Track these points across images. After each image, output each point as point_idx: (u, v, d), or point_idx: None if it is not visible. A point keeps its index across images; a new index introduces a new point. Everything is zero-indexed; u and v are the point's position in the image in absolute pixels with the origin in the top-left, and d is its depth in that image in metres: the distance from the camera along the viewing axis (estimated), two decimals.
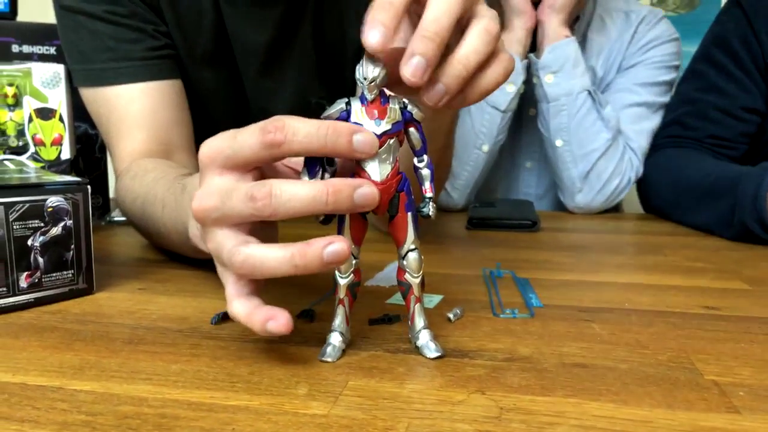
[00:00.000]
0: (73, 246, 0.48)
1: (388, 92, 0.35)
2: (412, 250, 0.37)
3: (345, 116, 0.36)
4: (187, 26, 0.73)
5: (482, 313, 0.46)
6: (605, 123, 0.96)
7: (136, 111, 0.67)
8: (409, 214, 0.36)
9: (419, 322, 0.37)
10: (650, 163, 0.99)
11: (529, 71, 1.01)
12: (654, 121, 1.01)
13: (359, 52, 0.80)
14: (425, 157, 0.37)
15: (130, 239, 0.72)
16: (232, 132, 0.34)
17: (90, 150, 0.89)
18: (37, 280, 0.46)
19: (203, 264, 0.58)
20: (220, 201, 0.34)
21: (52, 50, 0.83)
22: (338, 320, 0.38)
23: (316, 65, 0.82)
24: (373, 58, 0.34)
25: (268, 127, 0.32)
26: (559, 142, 0.98)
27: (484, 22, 0.36)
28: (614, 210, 1.04)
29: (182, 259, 0.61)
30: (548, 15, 0.96)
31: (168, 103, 0.69)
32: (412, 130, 0.36)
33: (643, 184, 1.00)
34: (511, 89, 0.98)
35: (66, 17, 0.69)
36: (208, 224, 0.35)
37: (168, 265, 0.60)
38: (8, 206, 0.44)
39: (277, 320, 0.33)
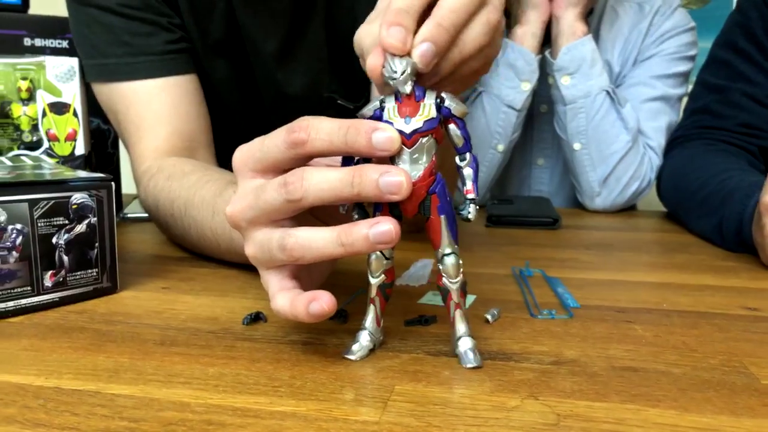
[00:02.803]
0: (97, 244, 0.47)
1: (426, 88, 0.34)
2: (448, 255, 0.35)
3: (378, 114, 0.35)
4: (200, 14, 0.71)
5: (519, 314, 0.45)
6: (624, 123, 0.94)
7: (157, 107, 0.65)
8: (443, 217, 0.34)
9: (459, 328, 0.36)
10: (665, 162, 0.97)
11: (543, 67, 0.99)
12: (671, 115, 0.99)
13: None
14: (468, 155, 0.35)
15: (146, 236, 0.71)
16: (262, 137, 0.35)
17: (102, 145, 0.88)
18: (61, 279, 0.45)
19: (225, 262, 0.57)
20: (254, 198, 0.34)
21: (65, 44, 0.82)
22: (368, 319, 0.37)
23: (327, 57, 0.81)
24: (395, 56, 0.33)
25: (294, 127, 0.32)
26: (577, 146, 0.96)
27: (487, 12, 0.35)
28: (630, 207, 1.02)
29: (203, 257, 0.59)
30: (564, 9, 0.94)
31: (188, 98, 0.68)
32: (452, 126, 0.34)
33: (657, 183, 0.99)
34: (526, 88, 0.97)
35: (78, 11, 0.68)
36: (244, 226, 0.35)
37: (189, 263, 0.59)
38: (33, 203, 0.43)
39: (319, 300, 0.32)
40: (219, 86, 0.77)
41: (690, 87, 1.01)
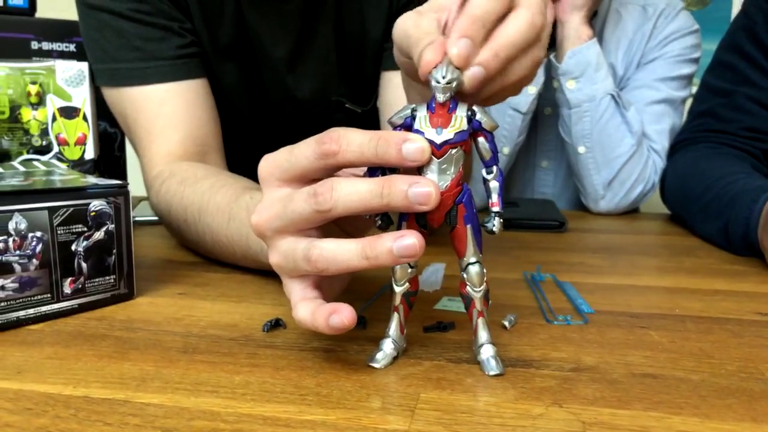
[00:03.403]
0: (115, 251, 0.47)
1: (459, 100, 0.34)
2: (473, 264, 0.35)
3: (409, 122, 0.35)
4: (210, 18, 0.72)
5: (534, 320, 0.45)
6: (629, 127, 0.94)
7: (169, 111, 0.66)
8: (469, 226, 0.35)
9: (482, 336, 0.36)
10: (669, 165, 0.98)
11: (548, 70, 1.00)
12: (675, 118, 1.00)
13: (379, 50, 0.80)
14: (495, 168, 0.35)
15: (156, 240, 0.71)
16: (289, 147, 0.35)
17: (109, 149, 0.88)
18: (80, 286, 0.45)
19: (239, 267, 0.57)
20: (282, 207, 0.34)
21: (72, 47, 0.82)
22: (392, 327, 0.37)
23: (336, 62, 0.81)
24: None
25: (324, 139, 0.33)
26: (582, 149, 0.96)
27: (531, 12, 0.35)
28: (633, 210, 1.03)
29: (216, 261, 0.60)
30: (569, 13, 0.95)
31: (200, 102, 0.68)
32: (481, 139, 0.35)
33: (661, 185, 1.00)
34: (532, 91, 0.97)
35: (89, 15, 0.68)
36: (270, 235, 0.35)
37: (203, 267, 0.59)
38: (52, 211, 0.43)
39: (339, 313, 0.33)
40: (228, 90, 0.77)
41: (693, 89, 1.02)
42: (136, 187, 0.83)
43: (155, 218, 0.80)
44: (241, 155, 0.79)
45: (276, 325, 0.43)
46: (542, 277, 0.57)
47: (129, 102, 0.67)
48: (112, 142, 0.88)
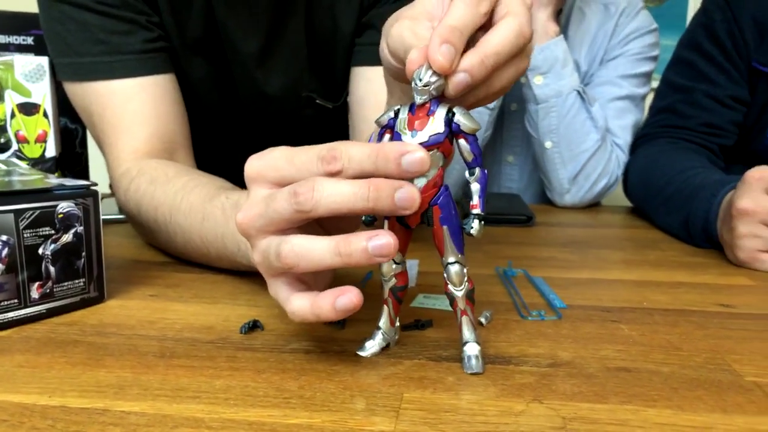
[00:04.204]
0: (84, 253, 0.46)
1: (442, 101, 0.35)
2: (451, 264, 0.36)
3: (391, 123, 0.35)
4: (179, 10, 0.70)
5: (509, 316, 0.46)
6: (594, 123, 0.97)
7: (136, 107, 0.64)
8: (445, 227, 0.35)
9: (465, 334, 0.37)
10: (631, 159, 1.00)
11: None
12: (636, 114, 1.03)
13: (350, 45, 0.80)
14: (477, 170, 0.35)
15: (123, 239, 0.69)
16: (285, 152, 0.34)
17: (71, 145, 0.85)
18: (48, 290, 0.44)
19: (210, 268, 0.56)
20: (264, 206, 0.34)
21: (30, 40, 0.79)
22: (382, 320, 0.38)
23: (307, 57, 0.81)
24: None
25: (327, 157, 0.33)
26: (548, 144, 0.98)
27: (519, 22, 0.35)
28: (596, 203, 1.06)
29: (186, 261, 0.59)
30: (536, 8, 0.96)
31: (167, 98, 0.67)
32: (462, 141, 0.35)
33: (624, 179, 1.02)
34: None
35: (51, 7, 0.65)
36: (253, 234, 0.35)
37: (173, 268, 0.58)
38: (18, 213, 0.42)
39: (347, 294, 0.33)
40: (197, 85, 0.75)
41: (653, 85, 1.05)
42: (99, 181, 0.81)
43: (120, 216, 0.79)
44: (210, 152, 0.78)
45: (253, 326, 0.42)
46: (514, 273, 0.58)
47: (94, 97, 0.65)
48: (73, 139, 0.85)
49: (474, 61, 0.33)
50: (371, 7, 0.78)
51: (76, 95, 0.68)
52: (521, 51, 0.35)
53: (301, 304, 0.34)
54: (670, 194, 0.80)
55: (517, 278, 0.57)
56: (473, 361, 0.36)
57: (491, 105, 0.99)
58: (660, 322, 0.45)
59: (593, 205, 1.03)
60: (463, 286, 0.36)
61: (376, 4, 0.77)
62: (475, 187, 0.35)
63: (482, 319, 0.44)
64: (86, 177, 0.87)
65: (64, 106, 0.74)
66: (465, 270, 0.36)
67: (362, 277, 0.54)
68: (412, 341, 0.40)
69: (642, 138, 0.99)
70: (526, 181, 1.13)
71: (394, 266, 0.37)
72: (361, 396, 0.33)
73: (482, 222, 0.35)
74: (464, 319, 0.36)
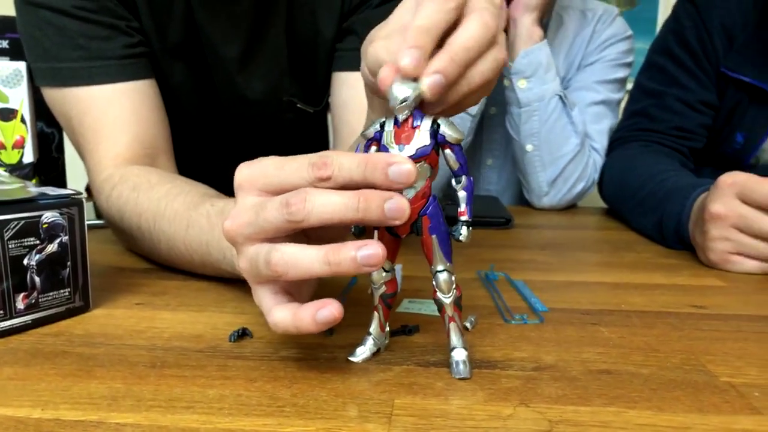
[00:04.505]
0: (69, 263, 0.46)
1: (424, 112, 0.35)
2: (440, 271, 0.37)
3: (378, 137, 0.36)
4: (159, 15, 0.70)
5: (493, 320, 0.47)
6: (574, 127, 0.99)
7: (117, 113, 0.64)
8: (434, 236, 0.36)
9: (453, 340, 0.37)
10: (606, 162, 1.03)
11: None
12: (612, 118, 1.05)
13: (331, 50, 0.80)
14: (464, 178, 0.36)
15: (104, 246, 0.69)
16: (276, 160, 0.35)
17: (47, 150, 0.84)
18: (34, 301, 0.44)
19: (194, 275, 0.56)
20: (254, 214, 0.35)
21: (5, 44, 0.78)
22: (373, 326, 0.39)
23: (287, 61, 0.81)
24: (404, 79, 0.34)
25: (318, 163, 0.33)
26: (529, 147, 1.00)
27: (496, 51, 0.37)
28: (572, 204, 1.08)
29: (169, 268, 0.59)
30: (522, 12, 0.98)
31: (148, 103, 0.66)
32: (447, 151, 0.36)
33: (599, 182, 1.05)
34: None
35: (29, 12, 0.64)
36: (241, 242, 0.35)
37: (157, 275, 0.58)
38: (3, 224, 0.42)
39: (328, 307, 0.33)
40: (177, 90, 0.75)
41: (628, 89, 1.08)
42: (76, 187, 0.80)
43: (99, 221, 0.78)
44: (191, 156, 0.78)
45: (242, 334, 0.43)
46: (496, 276, 0.59)
47: (74, 103, 0.64)
48: (49, 143, 0.84)
49: (444, 60, 0.34)
50: (352, 12, 0.78)
51: (55, 100, 0.67)
52: (491, 43, 0.36)
53: (283, 316, 0.34)
54: (643, 197, 0.82)
55: (499, 282, 0.58)
56: (461, 367, 0.37)
57: (473, 111, 1.00)
58: (637, 324, 0.47)
59: (570, 207, 1.05)
60: (451, 293, 0.37)
61: (357, 9, 0.78)
62: (462, 194, 0.36)
63: (467, 324, 0.45)
64: (63, 182, 0.86)
65: (40, 109, 0.73)
66: (453, 277, 0.37)
67: (347, 282, 0.55)
68: (400, 347, 0.41)
69: (616, 141, 1.02)
70: (505, 183, 1.15)
71: (384, 274, 0.38)
72: (353, 403, 0.33)
73: (470, 228, 0.36)
74: (452, 326, 0.37)
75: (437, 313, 0.47)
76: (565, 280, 0.59)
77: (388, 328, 0.40)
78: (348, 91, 0.77)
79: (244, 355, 0.40)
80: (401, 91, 0.34)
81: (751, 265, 0.62)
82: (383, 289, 0.38)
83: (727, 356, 0.41)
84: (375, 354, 0.39)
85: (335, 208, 0.32)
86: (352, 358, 0.39)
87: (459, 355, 0.37)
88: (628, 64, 1.07)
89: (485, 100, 1.04)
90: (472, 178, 0.36)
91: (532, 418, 0.32)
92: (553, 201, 1.02)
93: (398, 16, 0.38)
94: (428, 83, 0.34)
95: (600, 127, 1.03)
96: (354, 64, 0.77)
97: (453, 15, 0.36)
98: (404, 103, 0.34)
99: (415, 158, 0.35)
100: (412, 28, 0.34)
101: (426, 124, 0.35)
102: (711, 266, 0.64)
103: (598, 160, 1.03)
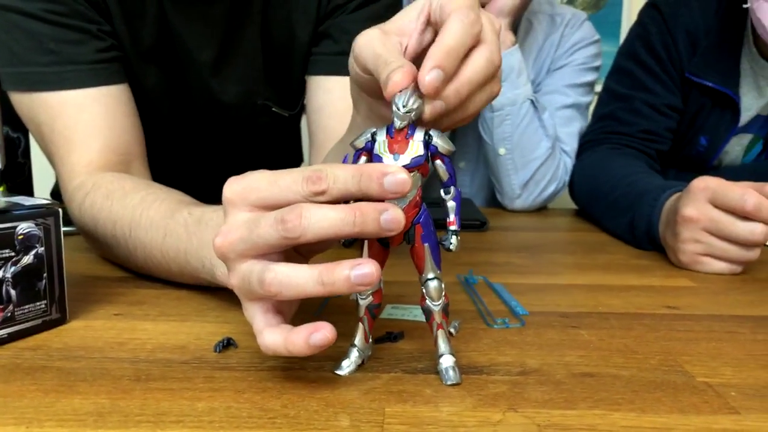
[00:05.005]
0: (45, 274, 0.45)
1: (418, 125, 0.36)
2: (431, 279, 0.37)
3: (369, 146, 0.36)
4: (131, 18, 0.69)
5: (476, 324, 0.48)
6: (546, 131, 1.00)
7: (88, 119, 0.62)
8: (426, 245, 0.37)
9: (441, 347, 0.38)
10: (576, 164, 1.05)
11: None
12: (582, 121, 1.08)
13: (307, 54, 0.80)
14: (452, 189, 0.37)
15: (75, 253, 0.67)
16: (267, 174, 0.35)
17: (13, 155, 0.82)
18: (9, 314, 0.43)
19: (172, 283, 0.56)
20: (247, 230, 0.34)
21: None
22: (357, 337, 0.39)
23: (262, 65, 0.81)
24: (417, 92, 0.35)
25: (312, 177, 0.33)
26: (502, 151, 1.01)
27: (490, 50, 0.37)
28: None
29: (145, 276, 0.58)
30: (496, 17, 0.99)
31: (121, 108, 0.65)
32: (438, 162, 0.36)
33: (570, 184, 1.07)
34: None
35: None
36: (233, 258, 0.35)
37: (134, 284, 0.57)
38: None
39: (321, 330, 0.33)
40: (150, 94, 0.74)
41: (596, 92, 1.10)
42: (43, 192, 0.78)
43: (71, 228, 0.76)
44: (165, 162, 0.77)
45: (227, 345, 0.42)
46: (475, 280, 0.60)
47: (44, 108, 0.63)
48: (15, 148, 0.82)
49: (451, 91, 0.35)
50: (328, 17, 0.78)
51: (23, 105, 0.65)
52: (492, 77, 0.37)
53: (274, 339, 0.34)
54: (614, 199, 0.84)
55: (478, 285, 0.59)
56: (451, 373, 0.37)
57: None
58: (615, 326, 0.48)
59: (541, 209, 1.07)
60: (440, 301, 0.37)
61: (332, 14, 0.78)
62: (451, 204, 0.37)
63: (452, 329, 0.45)
64: (30, 188, 0.83)
65: (5, 114, 0.71)
66: (443, 285, 0.37)
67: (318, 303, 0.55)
68: (387, 354, 0.42)
69: (586, 144, 1.04)
70: (477, 186, 1.16)
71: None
72: (344, 412, 0.34)
73: (458, 237, 0.37)
74: (440, 333, 0.38)
75: (420, 319, 0.48)
76: (542, 282, 0.60)
77: (371, 339, 0.40)
78: (324, 96, 0.77)
79: (231, 365, 0.40)
80: (411, 101, 0.34)
81: (720, 266, 0.64)
82: (370, 299, 0.38)
83: (702, 356, 0.42)
84: (360, 366, 0.39)
85: (332, 223, 0.32)
86: (338, 372, 0.38)
87: (448, 361, 0.37)
88: (596, 68, 1.10)
89: None
90: (460, 189, 0.37)
91: (522, 423, 0.33)
92: (525, 203, 1.03)
93: (397, 19, 0.39)
94: (431, 107, 0.35)
95: (570, 130, 1.05)
96: (329, 69, 0.77)
97: (475, 41, 0.36)
98: (410, 113, 0.35)
99: (410, 167, 0.35)
100: (441, 45, 0.34)
101: (419, 134, 0.36)
102: (681, 267, 0.66)
103: (568, 162, 1.05)
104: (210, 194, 0.58)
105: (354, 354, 0.39)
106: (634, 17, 1.07)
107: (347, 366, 0.38)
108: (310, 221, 0.32)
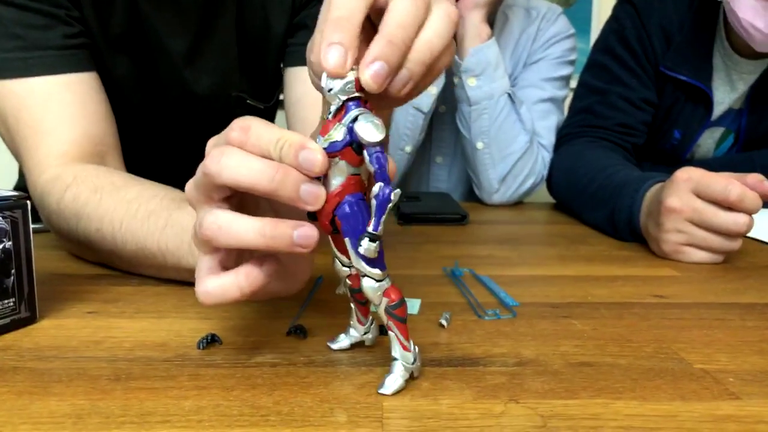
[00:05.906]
0: (13, 271, 0.42)
1: (362, 107, 0.32)
2: (362, 277, 0.33)
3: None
4: (101, 4, 0.66)
5: (467, 316, 0.47)
6: (523, 125, 1.00)
7: (58, 108, 0.59)
8: (347, 240, 0.33)
9: (393, 349, 0.35)
10: (554, 158, 1.05)
11: (448, 70, 1.03)
12: (558, 115, 1.08)
13: (282, 45, 0.78)
14: (376, 186, 0.31)
15: (44, 251, 0.64)
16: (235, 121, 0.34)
17: None
18: None
19: (146, 280, 0.53)
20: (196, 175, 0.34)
21: None
22: (352, 318, 0.39)
23: (237, 56, 0.78)
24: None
25: (233, 126, 0.33)
26: (480, 145, 1.01)
27: (444, 7, 0.34)
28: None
29: (119, 273, 0.55)
30: (470, 10, 0.98)
31: (94, 97, 0.62)
32: (364, 152, 0.31)
33: (548, 177, 1.07)
34: (433, 91, 1.00)
35: None
36: (193, 204, 0.36)
37: (108, 281, 0.54)
38: None
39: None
40: (120, 84, 0.71)
41: (572, 86, 1.11)
42: (2, 185, 0.74)
43: (39, 226, 0.72)
44: (138, 154, 0.74)
45: (211, 341, 0.40)
46: (461, 272, 0.59)
47: (9, 97, 0.59)
48: None
49: (381, 44, 0.31)
50: (303, 7, 0.76)
51: None
52: (426, 9, 0.33)
53: (221, 282, 0.34)
54: (594, 191, 0.84)
55: (465, 277, 0.58)
56: (385, 381, 0.34)
57: (426, 109, 1.00)
58: (606, 315, 0.48)
59: (519, 203, 1.07)
60: (381, 303, 0.33)
61: (308, 4, 0.76)
62: (372, 203, 0.31)
63: (443, 321, 0.44)
64: None
65: None
66: (380, 285, 0.33)
67: (313, 282, 0.53)
68: (379, 347, 0.40)
69: (564, 137, 1.04)
70: (455, 181, 1.15)
71: (344, 269, 0.36)
72: (340, 408, 0.32)
73: (375, 242, 0.32)
74: (390, 335, 0.34)
75: (413, 312, 0.47)
76: (528, 274, 0.60)
77: (374, 324, 0.39)
78: (301, 87, 0.75)
79: (216, 362, 0.38)
80: (328, 81, 0.32)
81: (701, 255, 0.64)
82: (349, 284, 0.36)
83: (696, 343, 0.42)
84: (358, 344, 0.39)
85: (249, 172, 0.31)
86: (329, 344, 0.39)
87: (394, 367, 0.34)
88: (572, 62, 1.10)
89: (437, 98, 1.04)
90: (390, 189, 0.31)
91: (524, 414, 0.32)
92: (503, 197, 1.03)
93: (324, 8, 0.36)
94: (370, 74, 0.31)
95: (547, 124, 1.05)
96: (306, 59, 0.75)
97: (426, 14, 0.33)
98: (331, 92, 0.32)
99: (329, 152, 0.32)
100: (329, 21, 0.31)
101: (348, 119, 0.31)
102: (663, 257, 0.67)
103: (546, 156, 1.05)
104: (183, 188, 0.56)
105: (351, 332, 0.39)
106: (604, 14, 1.08)
107: (340, 342, 0.39)
108: (228, 163, 0.31)
